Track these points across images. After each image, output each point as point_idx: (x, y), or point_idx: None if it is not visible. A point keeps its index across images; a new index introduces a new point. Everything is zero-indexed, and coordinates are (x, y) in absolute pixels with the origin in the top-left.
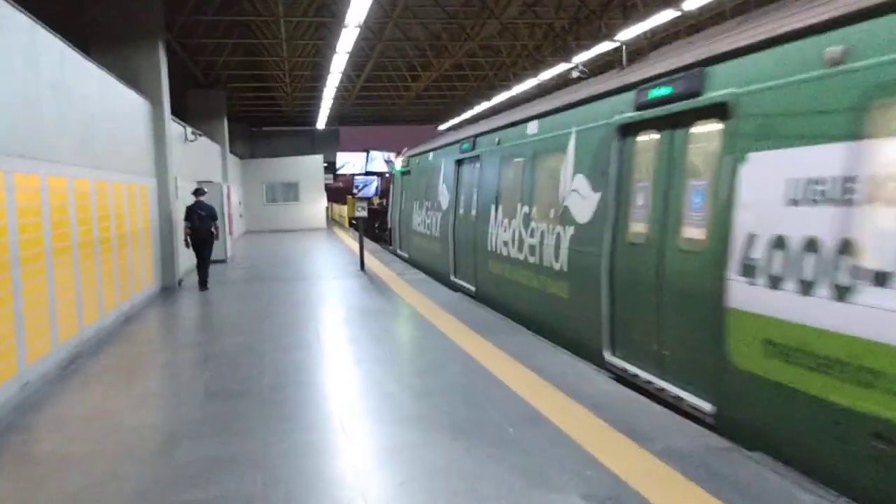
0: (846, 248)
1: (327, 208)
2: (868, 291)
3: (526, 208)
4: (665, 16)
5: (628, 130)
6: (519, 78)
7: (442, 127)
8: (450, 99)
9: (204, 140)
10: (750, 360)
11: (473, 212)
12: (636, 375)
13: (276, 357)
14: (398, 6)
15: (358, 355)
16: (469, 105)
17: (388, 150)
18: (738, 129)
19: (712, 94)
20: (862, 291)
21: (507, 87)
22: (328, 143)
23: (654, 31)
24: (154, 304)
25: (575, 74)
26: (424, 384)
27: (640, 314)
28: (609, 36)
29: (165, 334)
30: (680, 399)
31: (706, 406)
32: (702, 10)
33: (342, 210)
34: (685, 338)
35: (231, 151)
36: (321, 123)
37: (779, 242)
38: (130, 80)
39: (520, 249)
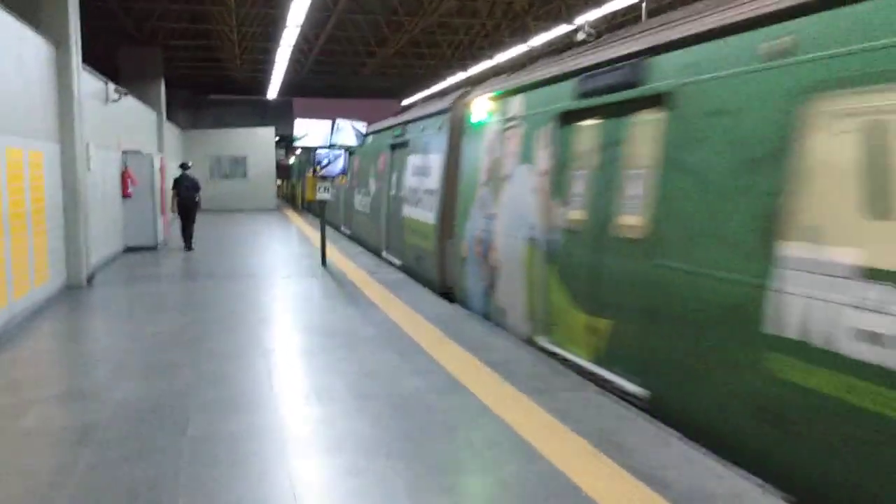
0: None
1: (279, 187)
2: None
3: None
4: None
5: None
6: (476, 58)
7: (405, 102)
8: (416, 72)
9: (133, 102)
10: None
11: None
12: None
13: (198, 431)
14: None
15: (331, 432)
16: (432, 82)
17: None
18: None
19: None
20: None
21: (464, 68)
22: (281, 116)
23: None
24: (44, 313)
25: (580, 37)
26: None
27: None
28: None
29: (41, 371)
30: None
31: None
32: None
33: (295, 190)
34: None
35: (169, 119)
36: (273, 93)
37: None
38: (24, 13)
39: None
